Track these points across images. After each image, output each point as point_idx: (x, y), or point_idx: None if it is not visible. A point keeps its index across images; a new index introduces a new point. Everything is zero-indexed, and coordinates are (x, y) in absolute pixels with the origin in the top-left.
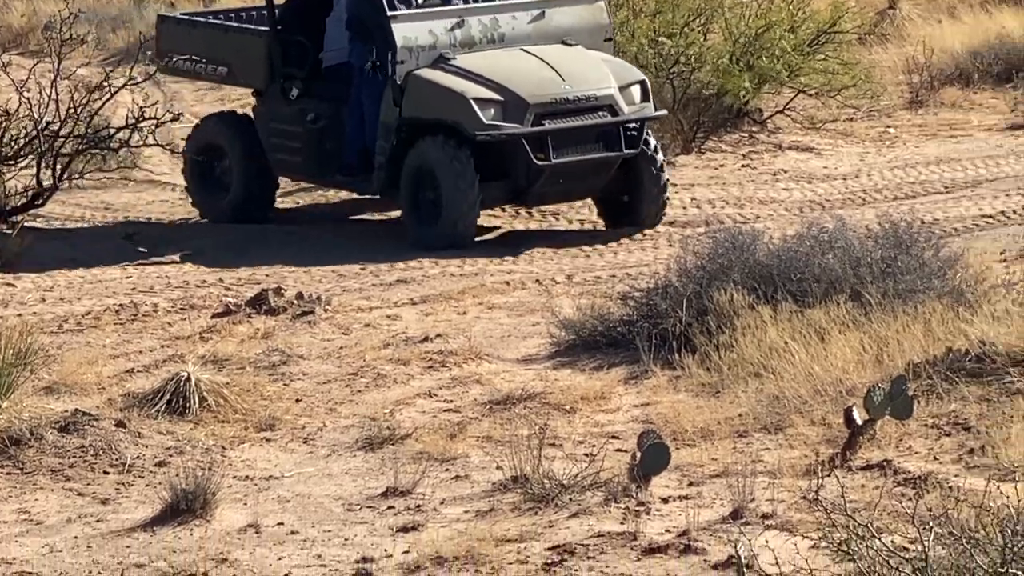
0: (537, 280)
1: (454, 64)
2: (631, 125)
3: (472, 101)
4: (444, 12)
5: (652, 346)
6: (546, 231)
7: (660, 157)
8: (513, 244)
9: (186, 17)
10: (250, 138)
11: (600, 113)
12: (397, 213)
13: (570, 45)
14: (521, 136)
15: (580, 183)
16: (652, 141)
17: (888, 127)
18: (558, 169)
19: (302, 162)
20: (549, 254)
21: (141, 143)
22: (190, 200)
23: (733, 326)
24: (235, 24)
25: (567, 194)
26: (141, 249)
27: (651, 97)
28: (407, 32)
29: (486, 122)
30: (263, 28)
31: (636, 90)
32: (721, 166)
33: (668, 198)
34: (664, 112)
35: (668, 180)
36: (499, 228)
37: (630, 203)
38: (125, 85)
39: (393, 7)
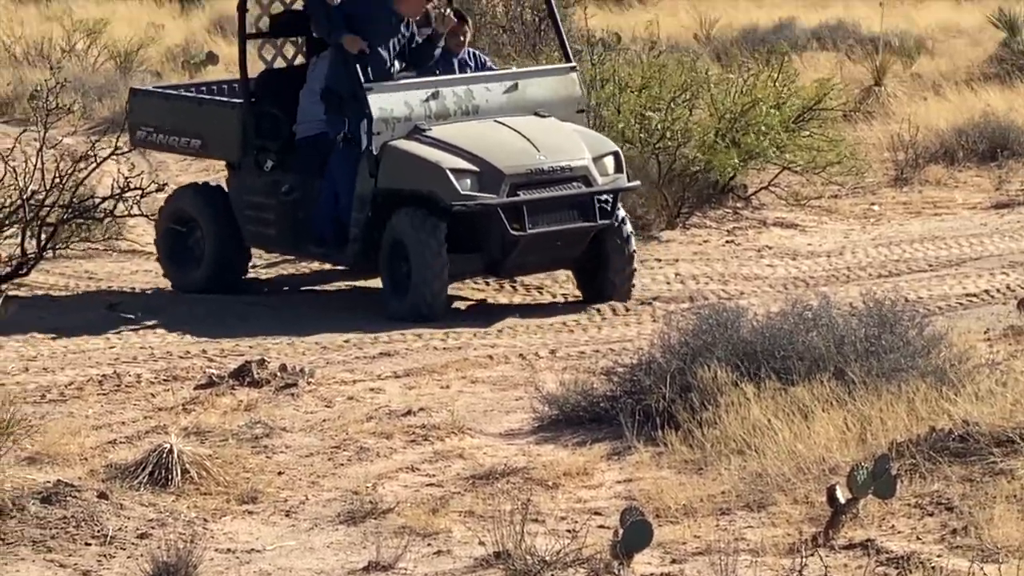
0: (520, 354)
1: (429, 135)
2: (604, 196)
3: (448, 171)
4: (419, 84)
5: (635, 422)
6: (529, 304)
7: (628, 228)
8: (496, 317)
9: (158, 90)
10: (223, 209)
11: (575, 184)
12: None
13: (543, 116)
14: (497, 206)
15: (555, 254)
16: (620, 213)
17: (873, 204)
18: (533, 240)
19: (276, 234)
20: (532, 328)
21: (126, 213)
22: (161, 270)
23: (716, 403)
24: (208, 97)
25: (542, 265)
26: (128, 316)
27: (624, 168)
28: (383, 103)
29: (462, 192)
30: (236, 100)
31: (610, 161)
32: (705, 242)
33: (636, 270)
34: (638, 183)
35: (635, 252)
36: (482, 300)
37: (598, 275)
38: (111, 155)
39: (368, 78)
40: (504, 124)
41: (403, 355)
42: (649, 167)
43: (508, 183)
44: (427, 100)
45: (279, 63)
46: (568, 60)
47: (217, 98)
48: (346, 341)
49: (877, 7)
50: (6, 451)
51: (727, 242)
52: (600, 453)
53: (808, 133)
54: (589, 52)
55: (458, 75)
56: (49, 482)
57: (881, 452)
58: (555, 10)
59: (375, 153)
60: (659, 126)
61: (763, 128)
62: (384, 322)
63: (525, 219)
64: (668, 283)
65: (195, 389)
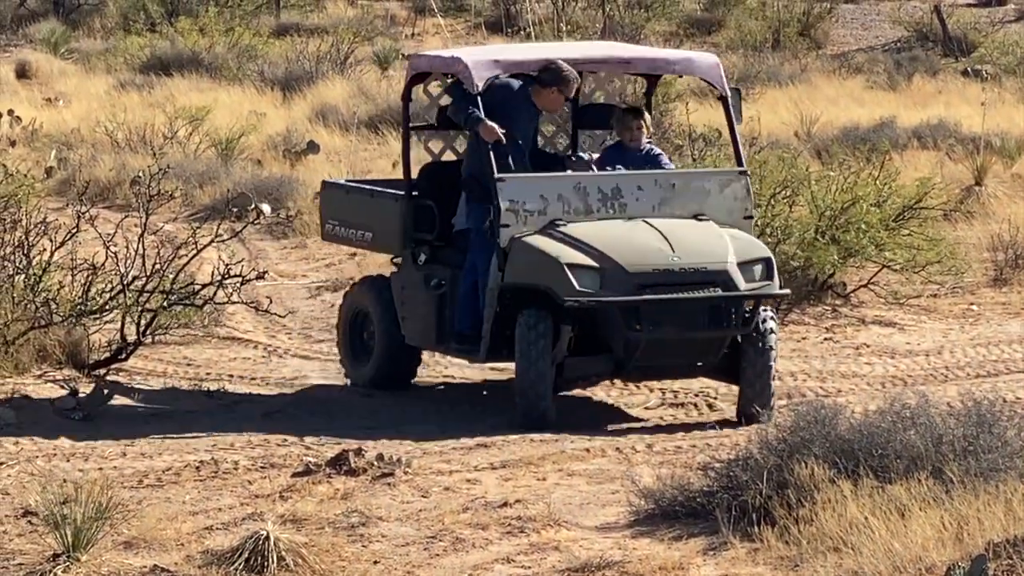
0: (617, 448)
1: (560, 230)
2: (745, 302)
3: (565, 266)
4: (558, 177)
5: (732, 517)
6: (626, 399)
7: (770, 342)
8: (593, 411)
9: (343, 183)
10: (391, 304)
11: (710, 287)
12: (474, 378)
13: (701, 220)
14: (615, 305)
15: (687, 359)
16: (767, 324)
17: (971, 304)
18: (656, 343)
19: (423, 329)
20: (629, 422)
21: (225, 300)
22: (339, 361)
23: (813, 500)
24: (378, 189)
25: (674, 371)
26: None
27: (775, 275)
28: (513, 194)
29: (578, 288)
30: (400, 193)
31: (759, 267)
32: (804, 339)
33: (774, 393)
34: (787, 291)
35: (773, 375)
36: (579, 395)
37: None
38: (211, 242)
39: (505, 168)
40: (647, 223)
41: (500, 447)
42: None
43: (631, 282)
44: (566, 195)
45: (448, 156)
46: (740, 164)
47: (384, 190)
48: (443, 432)
49: (978, 107)
50: (103, 535)
51: (825, 339)
52: (696, 548)
53: (908, 232)
54: (690, 147)
55: (603, 172)
56: (146, 567)
57: (978, 552)
58: (732, 113)
59: (503, 246)
60: (759, 222)
61: (863, 226)
62: (480, 414)
63: (646, 320)
64: None
65: (292, 477)
